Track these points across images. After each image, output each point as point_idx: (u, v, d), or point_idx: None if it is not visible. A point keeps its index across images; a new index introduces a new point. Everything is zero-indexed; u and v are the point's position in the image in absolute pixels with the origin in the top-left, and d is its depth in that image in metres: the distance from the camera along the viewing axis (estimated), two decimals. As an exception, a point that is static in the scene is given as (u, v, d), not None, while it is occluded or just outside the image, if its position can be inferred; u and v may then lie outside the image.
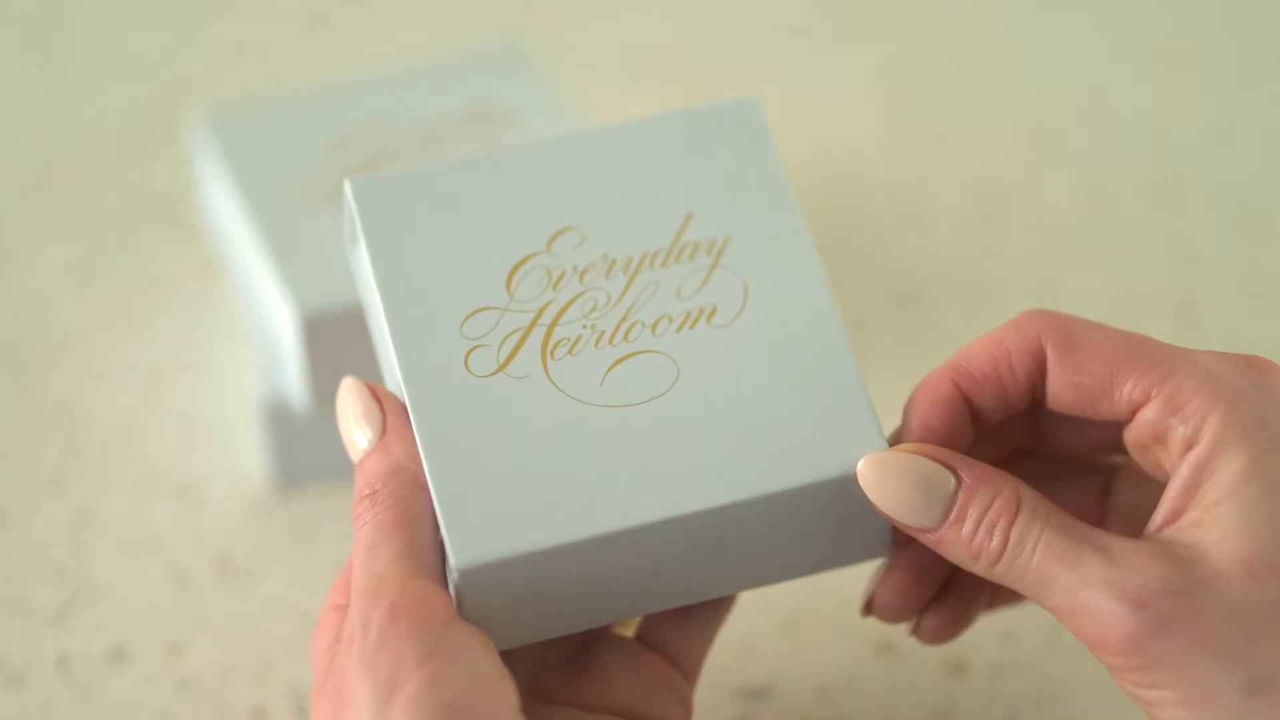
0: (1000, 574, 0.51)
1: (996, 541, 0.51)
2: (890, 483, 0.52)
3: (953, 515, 0.51)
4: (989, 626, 0.67)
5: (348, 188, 0.56)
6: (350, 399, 0.54)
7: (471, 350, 0.54)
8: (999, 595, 0.59)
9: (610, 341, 0.55)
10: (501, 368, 0.54)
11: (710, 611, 0.58)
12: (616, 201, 0.57)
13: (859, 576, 0.68)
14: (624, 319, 0.55)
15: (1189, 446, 0.51)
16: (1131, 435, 0.53)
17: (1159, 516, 0.51)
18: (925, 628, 0.58)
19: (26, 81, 0.94)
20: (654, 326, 0.55)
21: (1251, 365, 0.51)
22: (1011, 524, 0.51)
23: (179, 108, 0.89)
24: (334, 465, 0.71)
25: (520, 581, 0.52)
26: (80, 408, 0.77)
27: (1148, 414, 0.52)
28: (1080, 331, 0.53)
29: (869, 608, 0.57)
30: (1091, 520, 0.57)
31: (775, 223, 0.57)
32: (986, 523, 0.51)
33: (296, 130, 0.76)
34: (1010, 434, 0.58)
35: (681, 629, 0.58)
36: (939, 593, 0.58)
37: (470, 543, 0.51)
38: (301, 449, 0.73)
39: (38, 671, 0.67)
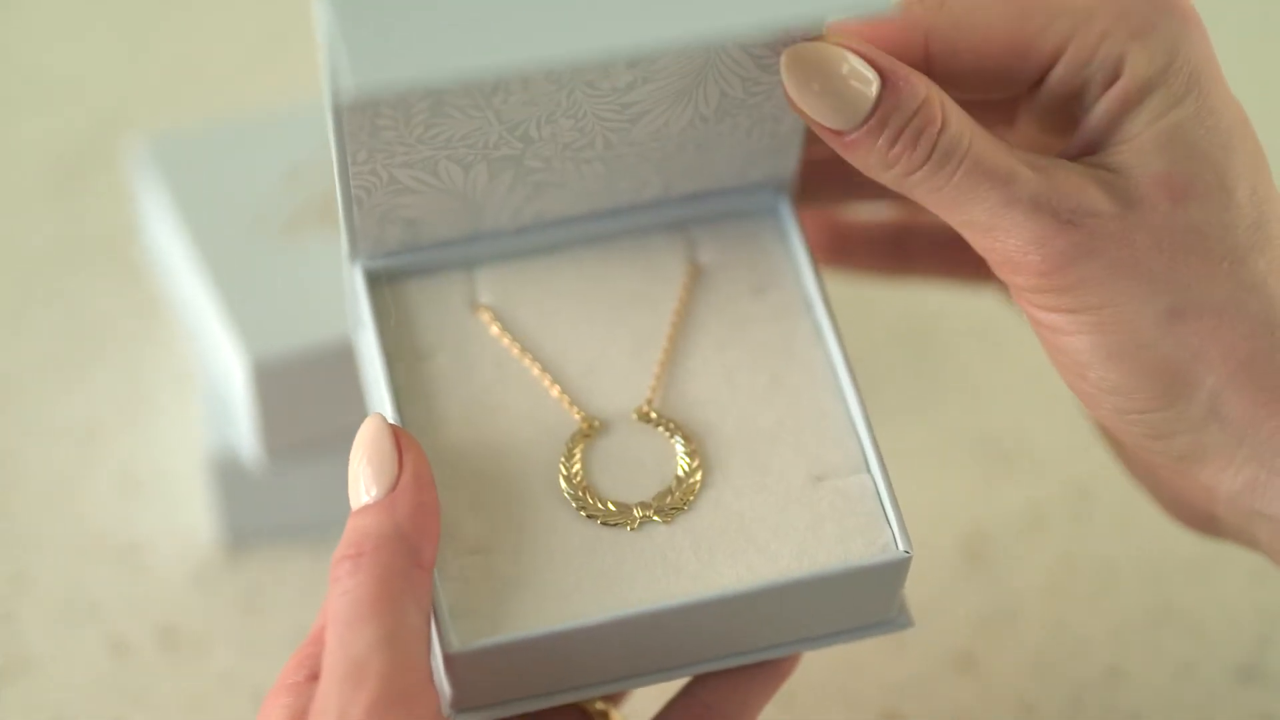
0: (914, 185, 0.51)
1: (919, 152, 0.50)
2: (809, 75, 0.51)
3: (873, 121, 0.50)
4: (1005, 699, 0.67)
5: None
6: (371, 440, 0.51)
7: None
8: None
9: None
10: None
11: None
12: None
13: (862, 647, 0.66)
14: None
15: (1108, 85, 0.51)
16: (1045, 95, 0.53)
17: (1074, 146, 0.52)
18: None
19: (-50, 106, 0.95)
20: None
21: (1157, 5, 0.52)
22: (939, 134, 0.50)
23: (117, 135, 0.88)
24: (288, 525, 0.72)
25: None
26: (10, 463, 0.76)
27: (1058, 73, 0.52)
28: (965, 13, 0.52)
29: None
30: None
31: None
32: (910, 131, 0.50)
33: (246, 159, 0.75)
34: None
35: None
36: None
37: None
38: (252, 507, 0.73)
39: (-37, 755, 0.67)
